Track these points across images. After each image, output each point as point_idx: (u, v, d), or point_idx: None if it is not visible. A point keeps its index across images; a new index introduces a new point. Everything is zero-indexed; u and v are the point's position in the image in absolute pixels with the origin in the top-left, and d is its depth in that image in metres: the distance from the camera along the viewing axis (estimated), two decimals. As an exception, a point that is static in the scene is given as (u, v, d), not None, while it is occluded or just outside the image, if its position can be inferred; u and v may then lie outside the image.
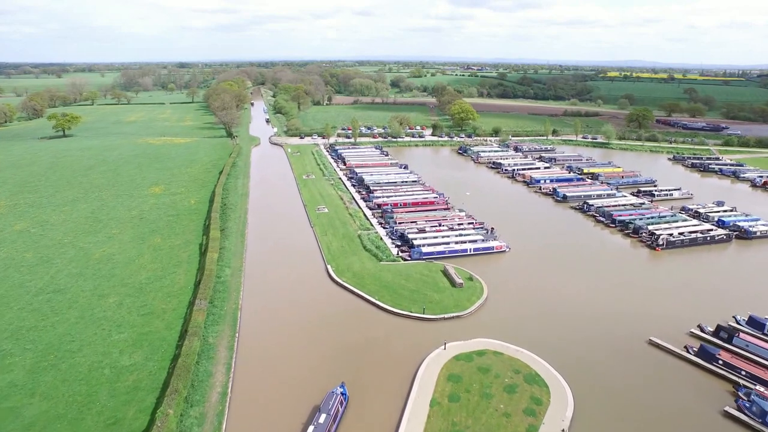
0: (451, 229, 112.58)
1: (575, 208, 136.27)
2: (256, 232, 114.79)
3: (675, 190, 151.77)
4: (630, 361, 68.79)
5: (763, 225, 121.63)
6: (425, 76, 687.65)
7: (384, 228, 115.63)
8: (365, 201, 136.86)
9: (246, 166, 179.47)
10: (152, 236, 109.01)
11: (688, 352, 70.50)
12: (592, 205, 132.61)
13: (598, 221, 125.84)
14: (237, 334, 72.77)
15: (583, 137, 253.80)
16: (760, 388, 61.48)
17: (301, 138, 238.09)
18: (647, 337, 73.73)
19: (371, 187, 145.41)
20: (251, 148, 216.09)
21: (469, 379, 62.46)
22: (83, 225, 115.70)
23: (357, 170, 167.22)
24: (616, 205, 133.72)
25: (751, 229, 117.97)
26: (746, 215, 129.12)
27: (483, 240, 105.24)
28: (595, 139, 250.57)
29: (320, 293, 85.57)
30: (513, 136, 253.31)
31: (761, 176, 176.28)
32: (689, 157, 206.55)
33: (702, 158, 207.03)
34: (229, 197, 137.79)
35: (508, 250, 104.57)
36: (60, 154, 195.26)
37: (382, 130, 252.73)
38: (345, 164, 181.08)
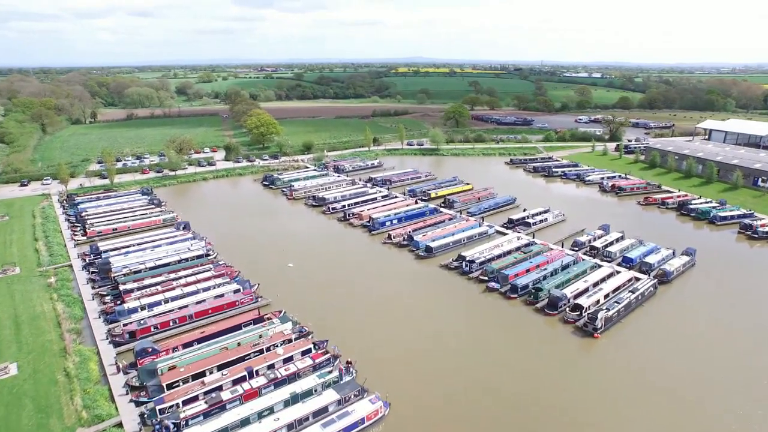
0: (274, 380, 59.22)
1: (449, 268, 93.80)
2: None
3: (545, 212, 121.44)
4: None
5: (670, 256, 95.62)
6: (216, 80, 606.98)
7: (141, 406, 56.84)
8: (108, 321, 74.51)
9: None
10: None
11: None
12: (473, 261, 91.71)
13: (491, 290, 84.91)
14: None
15: (408, 144, 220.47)
16: None
17: (24, 185, 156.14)
18: None
19: (122, 285, 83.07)
20: None
21: None
22: None
23: (103, 245, 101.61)
24: (501, 255, 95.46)
25: (668, 268, 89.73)
26: (641, 242, 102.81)
27: (340, 401, 54.81)
28: (422, 144, 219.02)
29: None
30: (329, 151, 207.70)
31: (603, 177, 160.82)
32: (528, 160, 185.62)
33: (537, 159, 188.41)
34: None
35: (386, 410, 55.78)
36: None
37: (158, 159, 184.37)
38: (86, 233, 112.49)
